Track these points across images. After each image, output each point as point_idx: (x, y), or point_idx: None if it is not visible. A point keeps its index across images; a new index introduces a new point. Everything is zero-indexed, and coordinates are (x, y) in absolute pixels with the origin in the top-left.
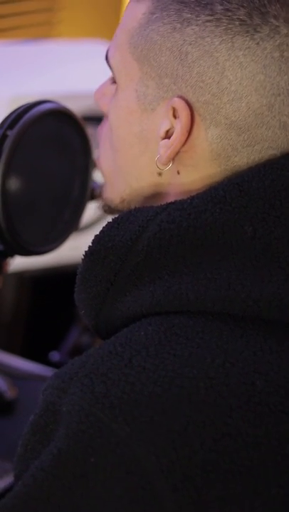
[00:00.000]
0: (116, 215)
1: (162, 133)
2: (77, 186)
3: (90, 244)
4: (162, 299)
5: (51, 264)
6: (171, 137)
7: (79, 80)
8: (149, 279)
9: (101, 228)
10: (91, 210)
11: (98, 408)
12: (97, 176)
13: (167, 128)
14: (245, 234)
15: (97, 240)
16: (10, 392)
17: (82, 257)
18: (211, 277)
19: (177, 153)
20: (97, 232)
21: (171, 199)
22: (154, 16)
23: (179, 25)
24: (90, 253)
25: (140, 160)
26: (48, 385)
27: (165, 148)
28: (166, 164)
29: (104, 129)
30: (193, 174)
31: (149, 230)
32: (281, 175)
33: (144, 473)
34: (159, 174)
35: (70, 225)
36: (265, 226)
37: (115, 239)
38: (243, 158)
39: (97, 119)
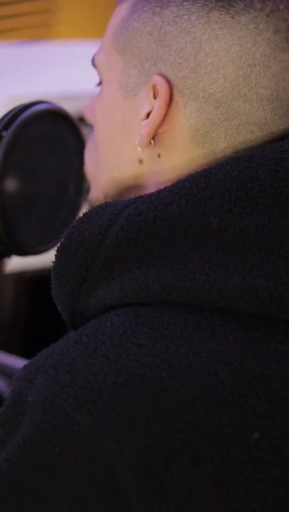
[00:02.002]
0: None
1: (143, 115)
2: (73, 186)
3: (62, 240)
4: (129, 290)
5: (50, 264)
6: (151, 114)
7: (76, 81)
8: (118, 272)
9: (72, 223)
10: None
11: (62, 398)
12: None
13: (148, 110)
14: (210, 225)
15: (67, 234)
16: (9, 392)
17: (55, 252)
18: (177, 268)
19: (156, 131)
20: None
21: (151, 191)
22: (136, 7)
23: (158, 9)
24: (62, 248)
25: (123, 149)
26: (17, 376)
27: (145, 127)
28: (147, 145)
29: (91, 138)
30: (174, 158)
31: (118, 224)
32: (248, 167)
33: (107, 462)
34: (140, 162)
35: (66, 224)
36: (231, 217)
37: (85, 233)
38: (221, 134)
39: None
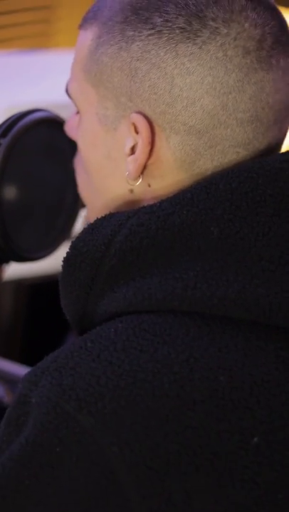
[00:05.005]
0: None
1: (128, 150)
2: (70, 194)
3: (68, 250)
4: (133, 299)
5: (49, 271)
6: (136, 151)
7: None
8: (123, 282)
9: (77, 235)
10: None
11: (65, 400)
12: None
13: (132, 144)
14: (211, 235)
15: (73, 245)
16: (8, 398)
17: (62, 263)
18: (179, 277)
19: (144, 166)
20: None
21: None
22: (102, 40)
23: (124, 44)
24: (67, 259)
25: (112, 180)
26: (23, 379)
27: (132, 163)
28: (136, 179)
29: (78, 157)
30: (164, 185)
31: (121, 234)
32: (248, 177)
33: (108, 464)
34: (131, 191)
35: (64, 231)
36: (231, 227)
37: (90, 244)
38: (208, 161)
39: None
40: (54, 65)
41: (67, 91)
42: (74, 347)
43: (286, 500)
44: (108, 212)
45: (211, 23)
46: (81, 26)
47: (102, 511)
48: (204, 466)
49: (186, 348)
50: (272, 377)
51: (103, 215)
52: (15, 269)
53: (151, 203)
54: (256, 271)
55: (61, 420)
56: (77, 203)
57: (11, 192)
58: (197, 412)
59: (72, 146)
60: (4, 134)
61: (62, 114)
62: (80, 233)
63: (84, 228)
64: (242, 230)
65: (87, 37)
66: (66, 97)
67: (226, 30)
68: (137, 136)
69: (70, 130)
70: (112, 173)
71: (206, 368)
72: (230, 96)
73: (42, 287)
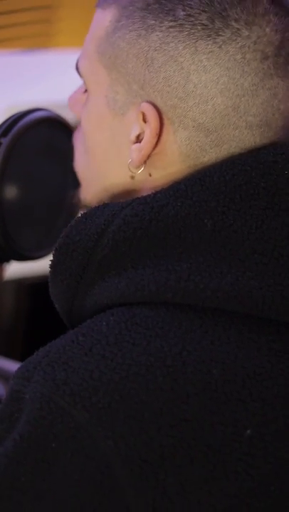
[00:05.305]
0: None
1: (133, 137)
2: (71, 192)
3: (60, 238)
4: (125, 290)
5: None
6: (142, 141)
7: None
8: (115, 272)
9: (70, 223)
10: None
11: (58, 395)
12: None
13: (138, 132)
14: (205, 227)
15: (65, 234)
16: None
17: (53, 251)
18: (172, 269)
19: (149, 156)
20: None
21: (145, 194)
22: (120, 24)
23: (144, 32)
24: (59, 247)
25: (113, 164)
26: (15, 375)
27: (137, 152)
28: (138, 168)
29: (78, 134)
30: (165, 176)
31: (114, 224)
32: (242, 170)
33: (103, 457)
34: (132, 178)
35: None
36: (225, 219)
37: (82, 233)
38: (212, 158)
39: None
40: (55, 65)
41: (77, 68)
42: (65, 341)
43: (279, 492)
44: (106, 198)
45: (234, 23)
46: (99, 5)
47: (98, 505)
48: (198, 459)
49: (179, 341)
50: (264, 370)
51: (97, 205)
52: (16, 269)
53: (150, 192)
54: (249, 264)
55: (55, 415)
56: (77, 202)
57: (11, 191)
58: (191, 405)
59: (72, 145)
60: (5, 134)
61: (63, 113)
62: (72, 221)
63: (77, 217)
64: (235, 223)
65: (106, 18)
66: (67, 97)
67: (247, 33)
68: (145, 126)
69: (74, 105)
70: (114, 158)
71: (199, 360)
72: (243, 99)
73: (43, 286)
